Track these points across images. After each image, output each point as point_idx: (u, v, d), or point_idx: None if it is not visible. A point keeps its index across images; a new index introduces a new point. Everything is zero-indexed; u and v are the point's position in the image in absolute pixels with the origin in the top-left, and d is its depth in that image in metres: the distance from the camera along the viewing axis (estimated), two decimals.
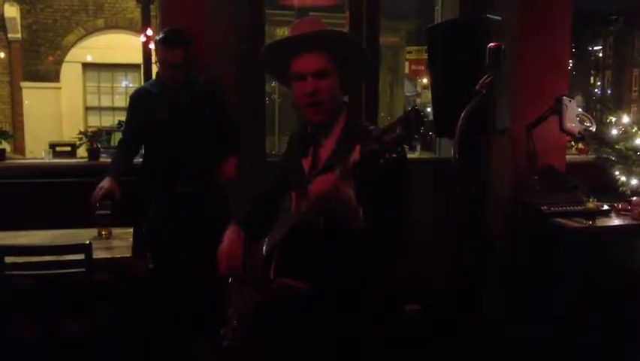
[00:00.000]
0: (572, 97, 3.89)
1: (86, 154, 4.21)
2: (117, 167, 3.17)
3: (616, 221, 3.57)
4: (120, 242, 2.92)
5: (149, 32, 5.86)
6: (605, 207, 3.65)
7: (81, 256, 2.48)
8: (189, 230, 3.20)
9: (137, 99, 3.31)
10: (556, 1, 4.07)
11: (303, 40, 1.76)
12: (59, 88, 13.69)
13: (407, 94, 17.95)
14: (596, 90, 23.69)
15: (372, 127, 1.83)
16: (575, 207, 3.55)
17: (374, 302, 1.82)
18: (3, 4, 13.07)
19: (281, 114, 11.58)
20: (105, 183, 3.01)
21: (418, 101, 21.60)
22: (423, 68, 12.76)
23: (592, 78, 24.51)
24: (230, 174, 3.25)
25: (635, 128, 4.03)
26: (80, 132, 4.23)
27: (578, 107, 3.86)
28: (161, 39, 3.15)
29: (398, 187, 1.70)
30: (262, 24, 3.93)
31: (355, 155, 1.43)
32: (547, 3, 4.01)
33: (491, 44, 2.67)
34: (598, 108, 4.38)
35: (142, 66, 5.85)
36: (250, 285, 1.84)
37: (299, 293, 1.71)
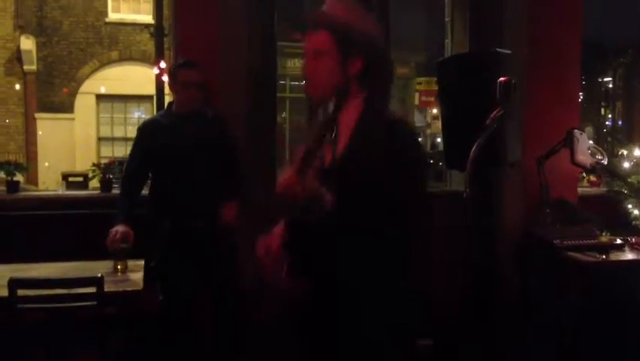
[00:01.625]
0: (582, 128, 3.88)
1: (98, 185, 4.25)
2: (127, 209, 3.14)
3: (629, 255, 3.52)
4: (134, 275, 2.92)
5: (163, 64, 5.97)
6: (618, 241, 3.61)
7: (93, 289, 2.49)
8: (197, 265, 3.18)
9: (146, 129, 3.32)
10: (565, 34, 4.10)
11: (310, 19, 1.79)
12: (73, 119, 13.89)
13: (417, 124, 18.00)
14: (606, 122, 23.67)
15: (395, 119, 1.75)
16: (588, 241, 3.52)
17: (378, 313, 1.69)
18: (19, 37, 13.34)
19: (291, 145, 11.65)
20: (119, 227, 2.99)
21: (428, 131, 21.67)
22: (432, 98, 12.83)
23: (602, 110, 24.50)
24: (230, 217, 3.22)
25: None
26: (93, 164, 4.27)
27: (589, 138, 3.85)
28: (181, 64, 3.27)
29: (391, 189, 1.63)
30: (274, 56, 3.98)
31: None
32: (557, 36, 4.04)
33: (501, 79, 2.68)
34: (609, 140, 4.37)
35: (154, 97, 5.93)
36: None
37: (304, 293, 1.71)
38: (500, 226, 3.95)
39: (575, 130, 3.69)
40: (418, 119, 17.54)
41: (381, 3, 3.92)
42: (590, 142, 3.81)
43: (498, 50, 3.04)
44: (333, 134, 1.76)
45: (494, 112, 2.62)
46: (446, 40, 4.58)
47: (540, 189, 3.78)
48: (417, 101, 13.72)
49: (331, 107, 1.81)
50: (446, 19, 4.54)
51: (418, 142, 1.79)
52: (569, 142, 3.65)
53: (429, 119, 20.06)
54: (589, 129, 21.52)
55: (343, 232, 1.63)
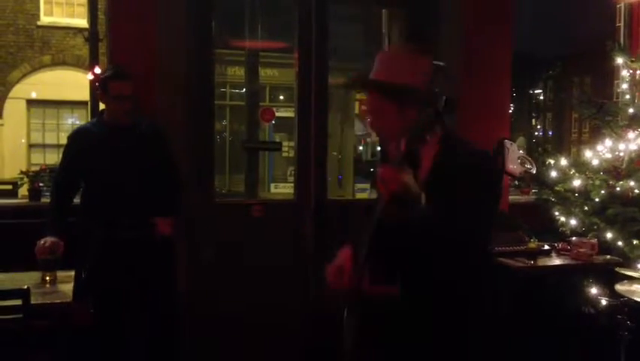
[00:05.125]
0: (514, 139, 4.01)
1: (27, 194, 4.10)
2: (57, 219, 3.04)
3: (556, 261, 3.67)
4: (64, 286, 2.81)
5: (97, 70, 5.81)
6: (546, 247, 3.75)
7: (19, 302, 2.40)
8: (133, 277, 3.10)
9: (77, 139, 3.19)
10: (496, 47, 4.23)
11: (357, 82, 2.03)
12: (2, 125, 13.37)
13: (357, 133, 18.19)
14: (536, 133, 24.57)
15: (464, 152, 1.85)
16: (518, 247, 3.65)
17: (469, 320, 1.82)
18: None
19: (232, 152, 11.56)
20: (48, 237, 2.89)
21: (369, 140, 21.91)
22: None
23: (533, 120, 25.42)
24: (165, 232, 3.14)
25: (573, 171, 4.18)
26: (22, 172, 4.12)
27: (520, 149, 3.99)
28: (114, 74, 3.12)
29: (467, 192, 1.73)
30: (212, 64, 3.95)
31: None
32: (488, 49, 4.17)
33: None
34: (539, 151, 4.54)
35: (89, 103, 5.77)
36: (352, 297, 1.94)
37: (391, 299, 1.81)
38: None
39: (506, 140, 3.82)
40: (358, 128, 17.75)
41: (320, 14, 3.96)
42: (520, 151, 3.94)
43: (433, 62, 3.11)
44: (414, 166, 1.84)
45: None
46: None
47: None
48: (357, 110, 13.85)
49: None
50: (383, 31, 4.63)
51: (488, 168, 1.88)
52: (500, 151, 3.76)
53: (369, 128, 20.34)
54: (521, 139, 22.27)
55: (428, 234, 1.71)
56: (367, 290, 1.85)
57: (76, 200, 3.25)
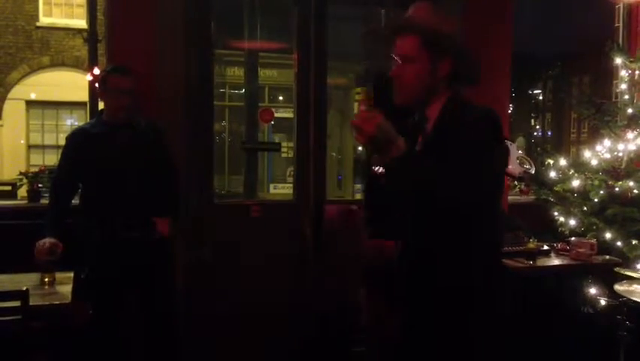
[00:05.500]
0: (514, 139, 4.02)
1: (26, 195, 4.10)
2: (56, 220, 3.04)
3: (555, 261, 3.68)
4: (63, 287, 2.82)
5: (96, 71, 5.83)
6: (545, 247, 3.75)
7: (17, 303, 2.39)
8: (131, 277, 3.09)
9: (75, 139, 3.18)
10: (496, 47, 4.24)
11: (397, 24, 1.88)
12: (1, 125, 13.37)
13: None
14: (535, 133, 24.55)
15: (470, 108, 1.80)
16: (517, 248, 3.65)
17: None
18: None
19: (231, 153, 11.55)
20: (47, 238, 2.88)
21: None
22: None
23: (532, 120, 25.40)
24: (164, 231, 3.14)
25: (572, 171, 4.19)
26: (21, 173, 4.12)
27: (519, 149, 3.99)
28: (111, 69, 3.15)
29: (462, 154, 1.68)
30: (211, 64, 3.95)
31: None
32: (487, 49, 4.16)
33: None
34: (538, 151, 4.54)
35: (88, 104, 5.77)
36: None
37: (390, 251, 1.84)
38: None
39: (505, 140, 3.81)
40: None
41: (320, 14, 3.96)
42: (520, 152, 3.94)
43: None
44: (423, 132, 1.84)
45: None
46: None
47: None
48: (356, 111, 13.87)
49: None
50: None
51: (483, 125, 1.75)
52: None
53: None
54: (520, 139, 22.25)
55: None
56: (367, 245, 1.90)
57: (76, 201, 3.25)
